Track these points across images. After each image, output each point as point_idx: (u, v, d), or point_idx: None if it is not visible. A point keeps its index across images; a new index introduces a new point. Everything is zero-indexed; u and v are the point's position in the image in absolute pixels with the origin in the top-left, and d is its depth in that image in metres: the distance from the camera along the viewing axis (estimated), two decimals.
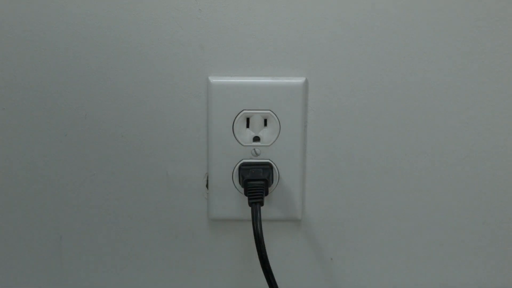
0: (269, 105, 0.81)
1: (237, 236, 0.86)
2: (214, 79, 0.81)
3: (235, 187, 0.84)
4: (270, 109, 0.81)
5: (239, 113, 0.81)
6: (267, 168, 0.82)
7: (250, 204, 0.80)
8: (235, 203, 0.84)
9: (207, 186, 0.84)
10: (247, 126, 0.82)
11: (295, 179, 0.84)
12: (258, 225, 0.78)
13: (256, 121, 0.82)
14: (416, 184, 0.85)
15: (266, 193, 0.82)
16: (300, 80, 0.81)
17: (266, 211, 0.84)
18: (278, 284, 0.79)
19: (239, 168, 0.83)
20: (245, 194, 0.81)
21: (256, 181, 0.81)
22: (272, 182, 0.83)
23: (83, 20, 0.79)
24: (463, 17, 0.79)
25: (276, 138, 0.82)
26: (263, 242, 0.78)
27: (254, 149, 0.82)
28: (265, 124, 0.82)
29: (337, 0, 0.78)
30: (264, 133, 0.82)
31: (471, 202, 0.85)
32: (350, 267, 0.88)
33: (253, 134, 0.82)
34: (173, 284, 0.88)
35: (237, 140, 0.82)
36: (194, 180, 0.84)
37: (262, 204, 0.80)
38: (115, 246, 0.86)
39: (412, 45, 0.80)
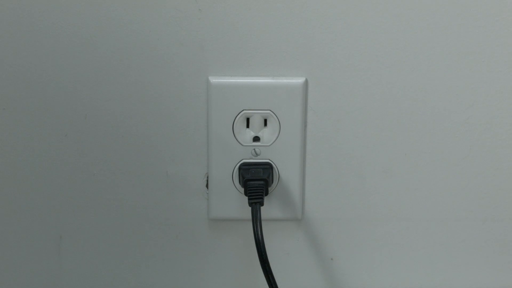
0: (269, 105, 0.81)
1: (237, 236, 0.86)
2: (214, 79, 0.81)
3: (235, 187, 0.84)
4: (270, 109, 0.81)
5: (239, 113, 0.81)
6: (267, 168, 0.82)
7: (250, 204, 0.80)
8: (235, 203, 0.84)
9: (207, 186, 0.84)
10: (247, 126, 0.82)
11: (295, 179, 0.84)
12: (258, 226, 0.78)
13: (256, 121, 0.82)
14: (416, 184, 0.85)
15: (266, 193, 0.82)
16: (300, 80, 0.81)
17: (266, 211, 0.84)
18: (278, 284, 0.79)
19: (239, 168, 0.83)
20: (245, 194, 0.81)
21: (256, 181, 0.81)
22: (272, 182, 0.83)
23: (83, 20, 0.79)
24: (463, 17, 0.79)
25: (276, 138, 0.82)
26: (263, 242, 0.78)
27: (254, 149, 0.82)
28: (265, 124, 0.82)
29: (337, 0, 0.78)
30: (264, 133, 0.82)
31: (471, 202, 0.85)
32: (350, 267, 0.88)
33: (253, 134, 0.82)
34: (173, 284, 0.88)
35: (237, 140, 0.82)
36: (194, 180, 0.84)
37: (262, 204, 0.80)
38: (115, 246, 0.86)
39: (412, 45, 0.80)
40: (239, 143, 0.82)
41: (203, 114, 0.82)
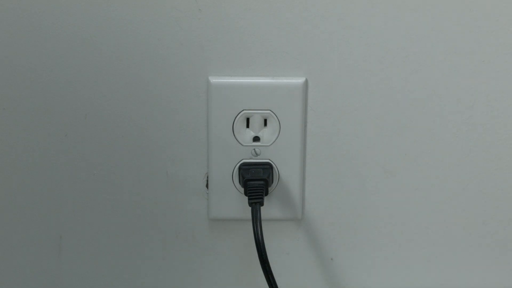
0: (269, 105, 0.81)
1: (237, 236, 0.86)
2: (214, 79, 0.81)
3: (235, 187, 0.84)
4: (270, 109, 0.81)
5: (239, 113, 0.81)
6: (267, 168, 0.82)
7: (250, 204, 0.80)
8: (235, 203, 0.84)
9: (207, 186, 0.84)
10: (247, 126, 0.82)
11: (295, 179, 0.84)
12: (258, 226, 0.78)
13: (256, 121, 0.82)
14: (416, 184, 0.85)
15: (266, 193, 0.82)
16: (300, 80, 0.81)
17: (266, 211, 0.84)
18: (278, 284, 0.79)
19: (239, 168, 0.83)
20: (245, 194, 0.81)
21: (256, 181, 0.81)
22: (272, 182, 0.83)
23: (83, 20, 0.79)
24: (463, 17, 0.79)
25: (276, 138, 0.82)
26: (263, 242, 0.78)
27: (254, 149, 0.82)
28: (265, 124, 0.82)
29: (337, 0, 0.78)
30: (264, 133, 0.82)
31: (471, 202, 0.85)
32: (350, 267, 0.88)
33: (253, 134, 0.82)
34: (173, 284, 0.88)
35: (237, 140, 0.82)
36: (194, 180, 0.84)
37: (262, 204, 0.80)
38: (115, 246, 0.86)
39: (412, 45, 0.80)
40: (239, 143, 0.82)
41: (203, 114, 0.82)
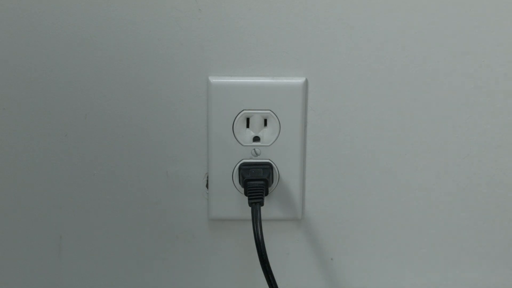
0: (269, 105, 0.81)
1: (237, 236, 0.86)
2: (214, 79, 0.81)
3: (235, 187, 0.84)
4: (270, 109, 0.81)
5: (239, 113, 0.81)
6: (267, 168, 0.82)
7: (250, 204, 0.80)
8: (235, 203, 0.84)
9: (207, 186, 0.84)
10: (247, 126, 0.82)
11: (295, 179, 0.84)
12: (258, 226, 0.78)
13: (256, 121, 0.82)
14: (416, 184, 0.85)
15: (266, 193, 0.82)
16: (300, 80, 0.81)
17: (266, 211, 0.84)
18: (278, 284, 0.79)
19: (239, 168, 0.83)
20: (245, 194, 0.81)
21: (256, 181, 0.81)
22: (272, 182, 0.83)
23: (83, 20, 0.79)
24: (463, 17, 0.79)
25: (276, 138, 0.82)
26: (263, 242, 0.78)
27: (254, 149, 0.82)
28: (265, 124, 0.82)
29: (337, 0, 0.78)
30: (264, 133, 0.82)
31: (471, 202, 0.85)
32: (350, 267, 0.88)
33: (253, 134, 0.82)
34: (173, 284, 0.88)
35: (237, 140, 0.82)
36: (194, 180, 0.84)
37: (262, 204, 0.80)
38: (115, 246, 0.86)
39: (412, 45, 0.80)
40: (239, 143, 0.82)
41: (203, 114, 0.82)
